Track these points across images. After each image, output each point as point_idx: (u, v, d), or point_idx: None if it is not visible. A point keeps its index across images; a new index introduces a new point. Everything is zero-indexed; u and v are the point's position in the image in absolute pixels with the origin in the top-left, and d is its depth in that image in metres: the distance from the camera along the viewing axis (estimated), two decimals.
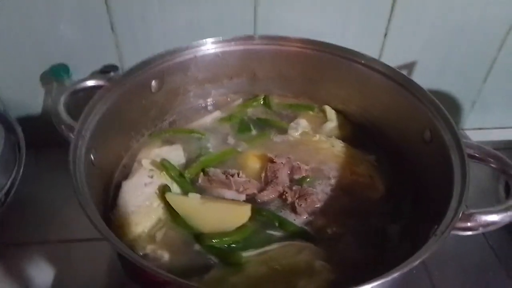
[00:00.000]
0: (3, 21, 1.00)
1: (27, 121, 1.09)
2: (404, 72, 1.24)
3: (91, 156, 0.72)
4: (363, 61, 0.89)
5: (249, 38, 0.95)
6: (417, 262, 0.54)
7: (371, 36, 1.15)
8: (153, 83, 0.89)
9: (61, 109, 0.77)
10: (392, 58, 1.20)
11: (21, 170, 0.99)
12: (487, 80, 1.26)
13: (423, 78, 1.25)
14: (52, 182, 1.12)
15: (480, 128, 1.43)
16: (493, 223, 0.62)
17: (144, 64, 0.86)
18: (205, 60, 0.94)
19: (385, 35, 1.15)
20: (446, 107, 1.30)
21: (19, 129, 1.06)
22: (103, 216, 0.74)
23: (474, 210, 0.62)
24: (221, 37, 0.93)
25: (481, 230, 0.63)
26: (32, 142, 1.03)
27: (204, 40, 0.92)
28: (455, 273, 0.91)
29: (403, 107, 0.85)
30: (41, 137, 1.20)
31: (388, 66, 0.87)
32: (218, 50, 0.94)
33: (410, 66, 1.25)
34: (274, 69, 1.00)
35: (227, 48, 0.94)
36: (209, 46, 0.93)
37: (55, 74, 1.06)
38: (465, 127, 1.42)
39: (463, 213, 0.62)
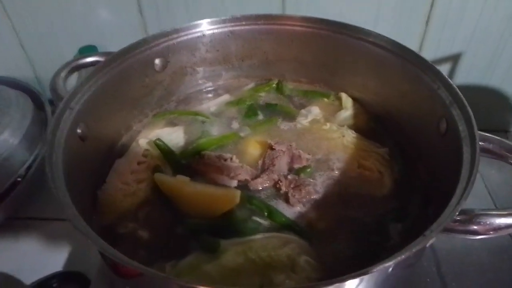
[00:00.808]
0: (40, 7, 1.05)
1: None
2: (448, 64, 1.13)
3: (79, 130, 0.71)
4: (376, 41, 0.81)
5: (260, 18, 0.90)
6: (390, 263, 0.47)
7: (410, 24, 1.06)
8: (157, 61, 0.87)
9: (60, 84, 0.77)
10: (434, 49, 1.10)
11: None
12: None
13: (469, 72, 1.14)
14: None
15: None
16: (505, 226, 0.53)
17: (146, 42, 0.83)
18: (214, 39, 0.91)
19: (427, 22, 1.05)
20: (496, 105, 1.20)
21: (48, 108, 1.10)
22: (90, 192, 0.74)
23: (481, 211, 0.53)
24: (230, 15, 0.89)
25: (491, 234, 0.54)
26: None
27: (212, 18, 0.89)
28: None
29: (420, 94, 0.76)
30: None
31: (404, 47, 0.78)
32: (227, 29, 0.90)
33: (455, 58, 1.14)
34: (287, 51, 0.94)
35: (237, 28, 0.90)
36: (218, 25, 0.89)
37: None
38: None
39: (466, 214, 0.53)
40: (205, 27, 0.89)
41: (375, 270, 0.47)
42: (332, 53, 0.90)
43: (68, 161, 0.64)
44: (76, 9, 1.06)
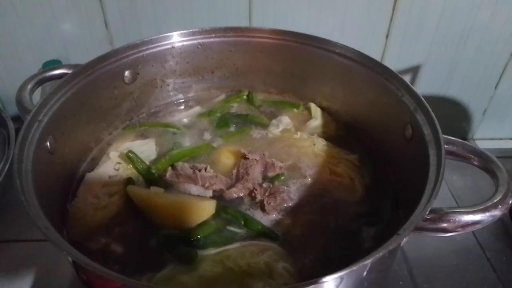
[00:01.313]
0: (0, 20, 1.01)
1: (20, 120, 1.09)
2: (408, 76, 1.19)
3: (47, 143, 0.69)
4: (343, 52, 0.84)
5: (229, 30, 0.91)
6: (368, 261, 0.48)
7: (372, 37, 1.11)
8: (126, 73, 0.86)
9: (26, 96, 0.75)
10: (395, 61, 1.15)
11: (7, 166, 0.98)
12: (499, 86, 1.21)
13: (428, 83, 1.20)
14: None
15: (493, 138, 1.35)
16: (472, 223, 0.56)
17: (115, 53, 0.83)
18: (183, 51, 0.91)
19: (387, 36, 1.10)
20: (454, 114, 1.27)
21: (11, 125, 1.07)
22: (60, 207, 0.72)
23: (449, 210, 0.56)
24: (199, 28, 0.90)
25: (460, 231, 0.57)
26: None
27: (182, 31, 0.89)
28: None
29: (386, 101, 0.79)
30: None
31: (369, 57, 0.81)
32: (197, 41, 0.91)
33: (415, 70, 1.19)
34: (256, 63, 0.95)
35: (206, 40, 0.91)
36: (187, 37, 0.90)
37: None
38: (476, 137, 1.35)
39: (436, 212, 0.55)
40: (175, 39, 0.89)
41: (355, 268, 0.48)
42: (300, 64, 0.93)
43: (36, 174, 0.62)
44: (38, 23, 1.03)
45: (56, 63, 1.08)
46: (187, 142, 0.89)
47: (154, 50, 0.88)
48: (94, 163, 0.82)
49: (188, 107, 0.97)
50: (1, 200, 0.96)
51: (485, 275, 0.85)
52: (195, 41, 0.90)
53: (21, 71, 1.10)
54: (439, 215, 0.55)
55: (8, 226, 0.97)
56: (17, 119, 1.07)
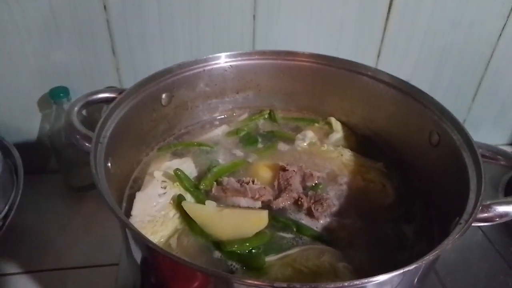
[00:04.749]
0: (2, 47, 1.01)
1: (21, 147, 1.07)
2: None
3: (109, 164, 0.72)
4: (367, 72, 0.93)
5: (254, 53, 0.98)
6: (449, 246, 0.55)
7: (365, 56, 1.20)
8: (164, 96, 0.90)
9: (75, 119, 0.77)
10: None
11: (19, 195, 0.97)
12: (476, 99, 1.33)
13: None
14: (46, 210, 1.12)
15: None
16: (509, 213, 0.64)
17: (155, 77, 0.87)
18: (212, 74, 0.96)
19: (378, 56, 1.20)
20: None
21: (16, 154, 1.06)
22: None
23: (491, 201, 0.64)
24: (228, 52, 0.96)
25: (497, 220, 0.65)
26: (27, 168, 1.02)
27: (212, 55, 0.95)
28: (466, 280, 0.94)
29: (407, 114, 0.88)
30: (36, 163, 1.20)
31: (392, 75, 0.90)
32: (225, 64, 0.96)
33: None
34: (278, 83, 1.02)
35: (233, 63, 0.97)
36: (216, 61, 0.95)
37: (54, 97, 1.06)
38: None
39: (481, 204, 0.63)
40: (206, 62, 0.94)
41: (432, 255, 0.55)
42: (319, 83, 1.00)
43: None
44: (41, 52, 1.03)
45: (63, 90, 1.08)
46: (221, 159, 0.93)
47: (187, 73, 0.92)
48: (137, 184, 0.84)
49: (214, 126, 1.02)
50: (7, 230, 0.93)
51: (498, 265, 0.95)
52: (223, 65, 0.96)
53: (21, 98, 1.10)
54: (484, 206, 0.64)
55: (12, 257, 0.99)
56: (17, 148, 1.07)
